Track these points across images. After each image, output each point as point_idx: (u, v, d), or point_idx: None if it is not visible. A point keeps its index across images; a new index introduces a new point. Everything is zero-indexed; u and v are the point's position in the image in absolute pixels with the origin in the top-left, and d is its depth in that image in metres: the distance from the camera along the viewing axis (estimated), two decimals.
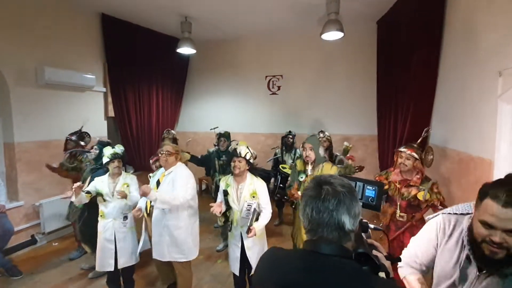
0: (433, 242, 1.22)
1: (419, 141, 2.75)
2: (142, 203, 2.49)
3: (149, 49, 5.26)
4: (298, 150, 4.52)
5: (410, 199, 2.38)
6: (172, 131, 4.38)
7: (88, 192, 2.49)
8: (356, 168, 3.71)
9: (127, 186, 2.57)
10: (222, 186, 2.39)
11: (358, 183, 1.36)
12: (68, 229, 4.08)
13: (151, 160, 3.41)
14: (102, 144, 2.93)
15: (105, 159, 2.54)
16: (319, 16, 4.48)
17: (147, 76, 5.35)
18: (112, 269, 2.53)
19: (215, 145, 4.08)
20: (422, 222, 2.31)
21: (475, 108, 2.52)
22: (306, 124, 5.58)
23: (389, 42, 4.47)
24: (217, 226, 4.31)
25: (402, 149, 2.48)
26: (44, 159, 3.82)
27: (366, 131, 5.29)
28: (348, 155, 3.82)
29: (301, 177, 2.61)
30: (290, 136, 4.53)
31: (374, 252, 0.89)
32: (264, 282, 0.87)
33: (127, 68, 4.91)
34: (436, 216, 1.27)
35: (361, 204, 1.19)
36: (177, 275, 2.49)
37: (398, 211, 2.45)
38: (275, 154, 4.67)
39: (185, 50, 4.72)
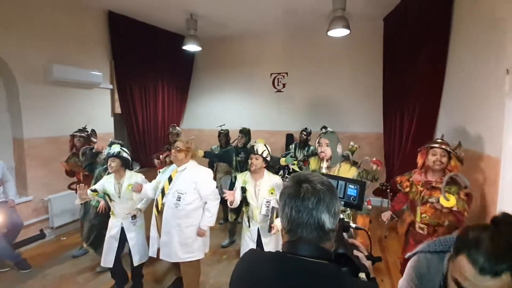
0: (414, 284, 1.06)
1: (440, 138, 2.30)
2: (148, 192, 2.42)
3: (155, 46, 5.29)
4: (311, 147, 4.52)
5: (432, 202, 2.03)
6: (178, 127, 4.40)
7: (94, 190, 2.52)
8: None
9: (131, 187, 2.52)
10: (239, 183, 2.43)
11: (340, 181, 1.36)
12: (76, 224, 4.14)
13: (159, 156, 3.40)
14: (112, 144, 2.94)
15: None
16: (325, 13, 4.46)
17: (153, 73, 5.38)
18: (111, 265, 2.58)
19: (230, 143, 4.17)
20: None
21: (483, 106, 2.50)
22: (311, 122, 5.55)
23: (395, 39, 4.44)
24: (222, 223, 4.35)
25: (433, 144, 2.13)
26: (53, 155, 3.90)
27: (371, 129, 5.26)
28: (374, 159, 3.41)
29: None
30: (304, 133, 4.53)
31: (355, 252, 0.86)
32: (239, 286, 0.83)
33: (133, 65, 4.94)
34: (414, 254, 1.09)
35: (343, 203, 1.22)
36: (182, 274, 2.44)
37: (418, 218, 2.11)
38: (288, 149, 4.71)
39: (190, 47, 4.74)
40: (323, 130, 3.95)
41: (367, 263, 0.86)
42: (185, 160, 2.32)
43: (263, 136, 5.84)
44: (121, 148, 2.57)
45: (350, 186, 1.34)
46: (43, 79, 3.80)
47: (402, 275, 2.27)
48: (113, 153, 2.49)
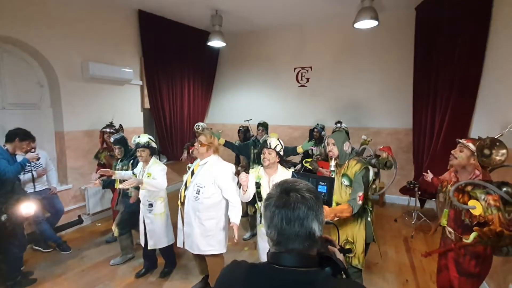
0: None
1: (499, 136, 2.02)
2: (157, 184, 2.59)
3: (181, 43, 5.45)
4: None
5: (458, 208, 1.83)
6: (200, 124, 4.53)
7: (133, 173, 2.87)
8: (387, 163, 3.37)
9: (149, 176, 2.67)
10: (253, 178, 2.39)
11: (311, 179, 1.34)
12: (110, 211, 4.44)
13: (185, 153, 3.49)
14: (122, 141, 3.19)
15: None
16: (352, 3, 4.30)
17: (179, 69, 5.55)
18: (143, 245, 2.87)
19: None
20: (473, 253, 1.82)
21: None
22: (335, 117, 5.43)
23: (428, 29, 4.18)
24: (243, 216, 4.43)
25: (460, 139, 1.99)
26: (89, 147, 4.20)
27: (400, 124, 5.04)
28: (382, 146, 3.48)
29: (332, 174, 2.45)
30: (316, 130, 4.49)
31: (330, 247, 0.86)
32: None
33: (161, 61, 5.13)
34: None
35: None
36: (208, 267, 2.51)
37: (443, 220, 1.96)
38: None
39: (215, 43, 4.82)
40: (338, 125, 3.91)
41: (340, 257, 0.86)
42: (206, 154, 2.35)
43: (286, 131, 5.85)
44: (149, 138, 2.75)
45: (320, 183, 1.40)
46: (80, 76, 4.08)
47: (436, 281, 2.17)
48: (144, 143, 2.68)
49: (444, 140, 3.70)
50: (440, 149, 3.74)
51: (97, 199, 4.29)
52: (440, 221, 2.07)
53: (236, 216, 2.31)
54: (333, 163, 2.26)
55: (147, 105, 5.08)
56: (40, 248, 3.46)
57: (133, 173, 2.90)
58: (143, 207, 2.78)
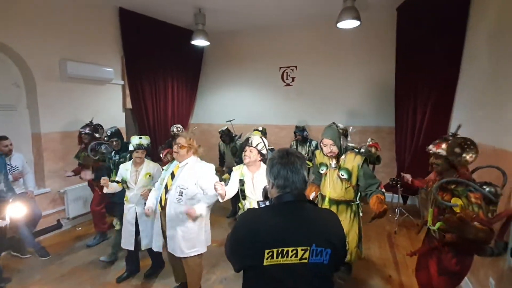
0: None
1: (454, 132, 2.10)
2: (152, 199, 2.45)
3: (164, 41, 5.35)
4: (313, 142, 4.49)
5: (441, 205, 1.85)
6: (177, 126, 4.54)
7: (118, 182, 2.72)
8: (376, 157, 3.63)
9: (149, 175, 2.72)
10: (237, 175, 2.38)
11: None
12: (90, 215, 4.31)
13: (162, 153, 3.47)
14: (116, 134, 3.27)
15: (130, 147, 2.70)
16: (336, 3, 4.34)
17: (162, 68, 5.45)
18: (132, 248, 2.77)
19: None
20: (456, 251, 1.83)
21: (500, 98, 2.38)
22: (320, 116, 5.50)
23: (409, 29, 4.27)
24: (229, 216, 4.41)
25: (430, 146, 1.99)
26: (68, 149, 4.06)
27: (383, 123, 5.14)
28: (371, 142, 3.70)
29: (322, 169, 2.46)
30: (298, 134, 4.53)
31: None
32: (253, 235, 1.08)
33: (143, 61, 5.02)
34: None
35: None
36: (186, 270, 2.46)
37: (429, 219, 1.95)
38: (291, 146, 4.68)
39: (199, 42, 4.76)
40: (351, 129, 3.96)
41: None
42: (186, 156, 2.32)
43: (272, 131, 5.84)
44: (139, 138, 2.77)
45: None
46: (58, 76, 3.93)
47: (416, 276, 2.22)
48: (146, 145, 2.72)
49: (425, 137, 3.80)
50: (422, 146, 3.82)
51: (77, 203, 4.14)
52: (425, 220, 2.05)
53: (202, 208, 2.26)
54: (333, 162, 2.34)
55: (129, 105, 4.96)
56: (18, 254, 3.32)
57: (116, 181, 2.73)
58: (137, 208, 2.71)
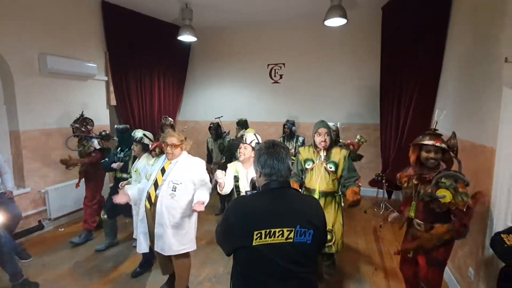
0: None
1: (434, 127, 2.11)
2: (134, 190, 2.42)
3: (150, 37, 5.23)
4: (300, 138, 4.53)
5: (426, 198, 1.91)
6: (170, 118, 4.43)
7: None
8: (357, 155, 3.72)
9: (136, 171, 2.74)
10: (231, 172, 2.43)
11: None
12: (74, 215, 4.18)
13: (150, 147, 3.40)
14: (119, 131, 3.28)
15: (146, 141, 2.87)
16: (323, 1, 4.37)
17: (148, 64, 5.33)
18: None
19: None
20: (446, 242, 1.91)
21: (480, 95, 2.48)
22: (308, 113, 5.56)
23: (394, 28, 4.37)
24: (218, 214, 4.39)
25: (426, 141, 1.94)
26: (49, 147, 3.91)
27: (368, 120, 5.25)
28: (349, 141, 3.79)
29: (308, 165, 2.49)
30: (286, 126, 4.56)
31: None
32: (243, 218, 1.19)
33: (128, 56, 4.90)
34: None
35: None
36: (175, 268, 2.43)
37: (412, 213, 2.02)
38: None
39: (186, 37, 4.68)
40: (339, 124, 4.02)
41: None
42: (179, 153, 2.32)
43: (260, 127, 5.85)
44: (143, 134, 2.86)
45: None
46: (38, 71, 3.77)
47: (400, 270, 2.31)
48: (136, 138, 2.77)
49: (408, 134, 3.90)
50: (405, 142, 3.93)
51: (59, 202, 4.00)
52: (407, 214, 2.12)
53: (204, 196, 2.21)
54: (324, 153, 2.41)
55: (113, 102, 4.82)
56: None
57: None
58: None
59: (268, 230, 1.13)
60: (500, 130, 2.08)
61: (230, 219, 1.23)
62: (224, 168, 2.62)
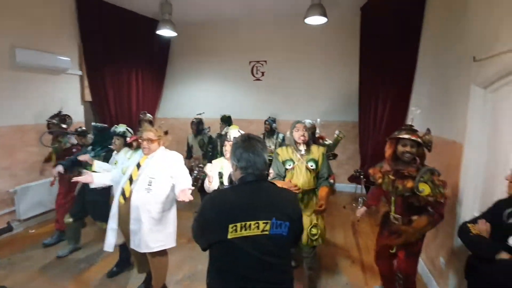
0: None
1: (409, 123, 2.18)
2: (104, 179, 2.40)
3: (127, 31, 5.06)
4: (280, 135, 4.55)
5: (406, 194, 1.95)
6: (148, 114, 4.34)
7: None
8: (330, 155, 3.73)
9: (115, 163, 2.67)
10: (216, 168, 2.41)
11: None
12: (45, 216, 3.99)
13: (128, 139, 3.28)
14: (97, 129, 3.11)
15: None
16: (303, 0, 4.41)
17: (126, 59, 5.16)
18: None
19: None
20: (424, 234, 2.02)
21: (450, 93, 2.59)
22: (290, 111, 5.60)
23: (372, 28, 4.48)
24: (198, 211, 4.35)
25: (402, 135, 1.99)
26: (18, 144, 3.70)
27: (348, 117, 5.36)
28: (319, 135, 3.83)
29: (289, 165, 2.42)
30: (267, 122, 4.58)
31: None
32: (218, 212, 1.18)
33: (104, 50, 4.72)
34: None
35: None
36: (151, 266, 2.35)
37: (392, 209, 2.06)
38: None
39: (165, 32, 4.55)
40: (318, 121, 4.05)
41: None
42: (157, 148, 2.28)
43: (242, 125, 5.78)
44: (126, 129, 2.79)
45: None
46: (6, 64, 3.55)
47: (376, 264, 2.40)
48: (119, 132, 2.71)
49: (385, 131, 4.02)
50: (382, 138, 4.04)
51: (29, 203, 3.79)
52: (385, 210, 2.21)
53: (187, 183, 2.13)
54: (303, 148, 2.42)
55: (88, 98, 4.63)
56: None
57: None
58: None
59: (243, 223, 1.14)
60: (468, 126, 2.19)
61: (205, 213, 1.22)
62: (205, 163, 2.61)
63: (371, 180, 2.29)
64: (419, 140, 1.96)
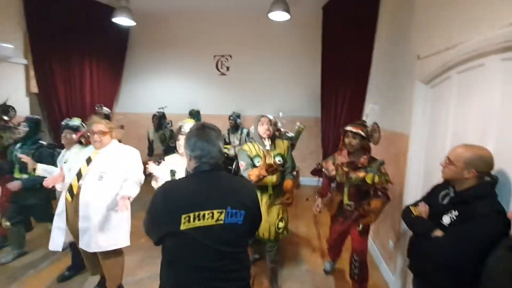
0: None
1: (364, 118, 2.52)
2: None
3: (80, 18, 4.68)
4: (244, 130, 4.57)
5: (359, 183, 2.17)
6: (105, 107, 4.07)
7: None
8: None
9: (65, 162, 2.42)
10: (166, 165, 2.21)
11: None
12: None
13: (74, 135, 3.02)
14: (32, 121, 2.84)
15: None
16: None
17: (78, 48, 4.78)
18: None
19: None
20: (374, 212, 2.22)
21: (399, 89, 2.79)
22: (255, 106, 5.62)
23: (333, 27, 4.66)
24: None
25: (348, 127, 2.26)
26: None
27: (311, 113, 5.53)
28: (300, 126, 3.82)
29: (258, 162, 2.35)
30: (231, 118, 4.56)
31: None
32: (169, 203, 1.15)
33: (53, 38, 4.33)
34: None
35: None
36: (104, 267, 2.22)
37: (346, 198, 2.25)
38: (223, 136, 4.71)
39: (122, 20, 4.31)
40: (280, 114, 4.08)
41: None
42: (108, 142, 2.14)
43: (207, 120, 5.60)
44: (81, 123, 2.57)
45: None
46: None
47: (329, 256, 2.66)
48: (73, 126, 2.48)
49: (344, 126, 4.21)
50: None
51: None
52: (339, 199, 2.36)
53: (132, 191, 2.04)
54: (268, 142, 2.39)
55: (34, 89, 4.23)
56: None
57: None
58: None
59: (197, 213, 1.11)
60: (412, 119, 2.38)
61: (156, 205, 1.17)
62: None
63: (324, 172, 2.44)
64: (361, 132, 2.17)
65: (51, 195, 3.03)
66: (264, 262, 2.68)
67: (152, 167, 2.07)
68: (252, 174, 2.23)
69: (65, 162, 2.44)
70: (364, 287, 2.36)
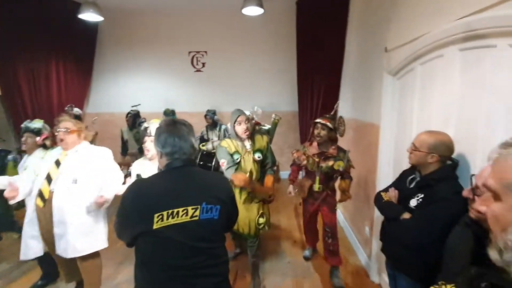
0: None
1: (332, 112, 2.69)
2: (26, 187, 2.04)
3: (43, 14, 4.40)
4: (222, 126, 4.55)
5: (328, 171, 2.45)
6: (76, 108, 3.88)
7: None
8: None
9: (25, 169, 2.28)
10: (135, 170, 2.09)
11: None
12: None
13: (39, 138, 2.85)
14: None
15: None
16: None
17: (42, 46, 4.50)
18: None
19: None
20: (334, 191, 2.65)
21: (369, 81, 2.89)
22: (231, 102, 5.58)
23: (306, 22, 4.71)
24: None
25: (317, 120, 2.51)
26: None
27: (289, 107, 5.60)
28: (255, 121, 3.87)
29: (237, 158, 2.33)
30: (208, 116, 4.55)
31: None
32: (140, 202, 1.12)
33: (14, 36, 4.05)
34: None
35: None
36: (82, 271, 2.15)
37: (317, 184, 2.51)
38: (201, 133, 4.65)
39: (88, 16, 4.09)
40: (256, 108, 4.08)
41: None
42: (77, 142, 2.04)
43: (183, 118, 5.51)
44: (43, 125, 2.46)
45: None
46: None
47: (308, 243, 2.89)
48: (33, 129, 2.35)
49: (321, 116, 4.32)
50: None
51: None
52: (309, 184, 2.56)
53: (110, 192, 2.01)
54: (248, 142, 2.38)
55: None
56: None
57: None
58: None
59: (170, 211, 1.09)
60: (382, 109, 2.48)
61: (126, 205, 1.14)
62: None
63: (295, 161, 2.64)
64: (329, 124, 2.42)
65: (20, 202, 2.87)
66: (246, 257, 2.70)
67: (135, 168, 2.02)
68: (237, 179, 2.13)
69: (24, 169, 2.29)
70: (338, 258, 2.61)
